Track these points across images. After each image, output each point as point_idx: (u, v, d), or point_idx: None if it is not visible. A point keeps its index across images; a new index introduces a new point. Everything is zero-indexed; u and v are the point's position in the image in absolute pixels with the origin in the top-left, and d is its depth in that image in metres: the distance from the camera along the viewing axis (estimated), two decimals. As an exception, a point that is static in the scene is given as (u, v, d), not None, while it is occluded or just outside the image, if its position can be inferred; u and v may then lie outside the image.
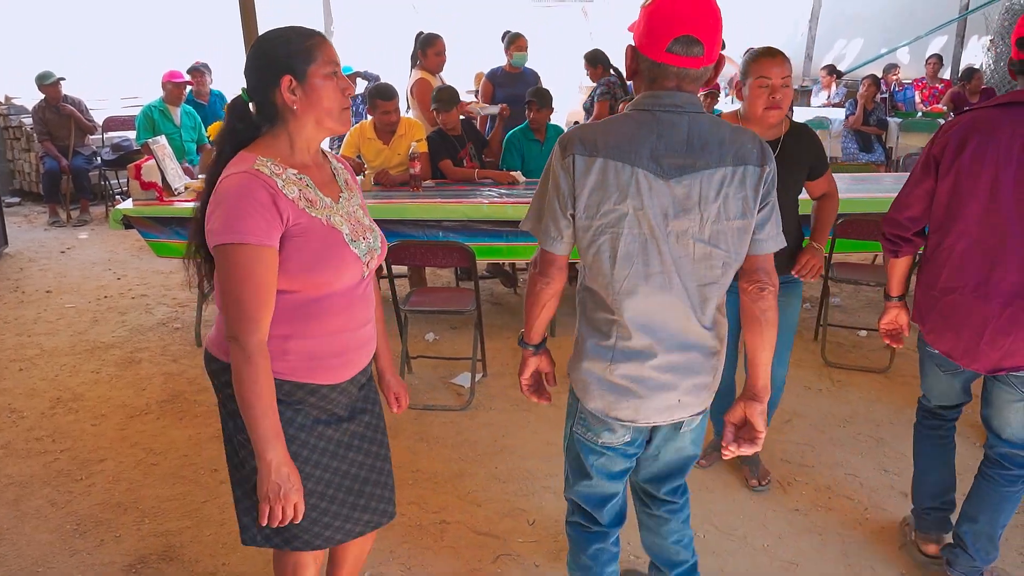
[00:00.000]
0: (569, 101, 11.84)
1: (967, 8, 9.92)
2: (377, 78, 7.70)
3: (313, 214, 1.62)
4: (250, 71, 1.62)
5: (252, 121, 1.65)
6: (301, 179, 1.63)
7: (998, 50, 10.80)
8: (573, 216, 1.67)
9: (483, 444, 3.27)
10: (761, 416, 1.79)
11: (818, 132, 9.02)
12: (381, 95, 4.63)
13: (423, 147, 4.78)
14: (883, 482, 3.09)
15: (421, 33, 5.48)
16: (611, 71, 6.57)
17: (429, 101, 5.05)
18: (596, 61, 6.72)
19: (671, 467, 1.96)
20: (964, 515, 2.40)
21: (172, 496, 2.98)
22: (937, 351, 2.31)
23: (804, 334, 4.57)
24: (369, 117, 4.80)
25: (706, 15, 1.56)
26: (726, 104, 8.63)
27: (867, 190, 4.75)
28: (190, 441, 3.37)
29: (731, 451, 1.83)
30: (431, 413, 3.61)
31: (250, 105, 1.64)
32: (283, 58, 1.58)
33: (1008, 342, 2.12)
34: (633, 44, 1.65)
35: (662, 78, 1.61)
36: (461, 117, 5.09)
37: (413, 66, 5.53)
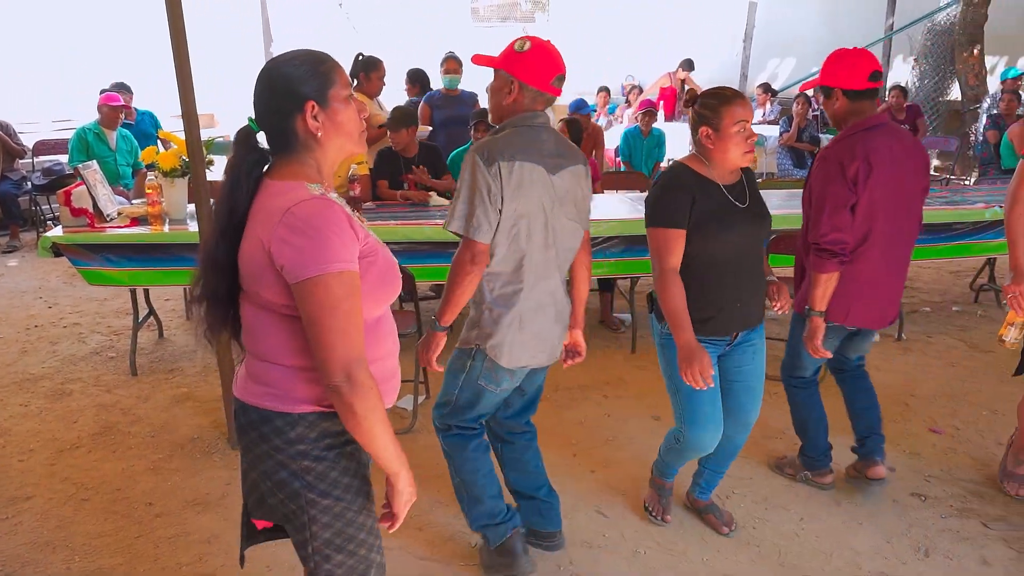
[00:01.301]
0: (512, 120, 11.96)
1: (892, 29, 10.31)
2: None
3: (372, 234, 1.60)
4: (265, 99, 1.56)
5: (262, 150, 1.58)
6: (342, 202, 1.58)
7: (922, 69, 11.25)
8: (500, 211, 2.19)
9: (426, 467, 3.25)
10: (582, 337, 2.63)
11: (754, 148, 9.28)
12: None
13: (363, 170, 4.77)
14: (819, 490, 3.15)
15: (360, 55, 5.47)
16: (429, 90, 6.34)
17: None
18: (416, 80, 6.55)
19: (532, 399, 2.64)
20: (856, 419, 3.14)
21: (104, 532, 2.89)
22: (855, 326, 2.89)
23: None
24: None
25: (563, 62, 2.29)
26: (664, 125, 8.78)
27: (800, 206, 4.87)
28: (123, 474, 3.28)
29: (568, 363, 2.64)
30: (373, 437, 3.57)
31: (258, 134, 1.59)
32: (303, 83, 1.53)
33: (900, 300, 2.95)
34: (515, 78, 2.23)
35: (540, 103, 2.27)
36: (428, 141, 5.11)
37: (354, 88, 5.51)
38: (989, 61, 10.76)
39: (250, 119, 1.58)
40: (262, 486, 1.64)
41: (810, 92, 9.38)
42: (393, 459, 1.57)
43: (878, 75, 2.69)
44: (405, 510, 1.63)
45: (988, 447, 3.48)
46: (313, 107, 1.53)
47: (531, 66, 2.23)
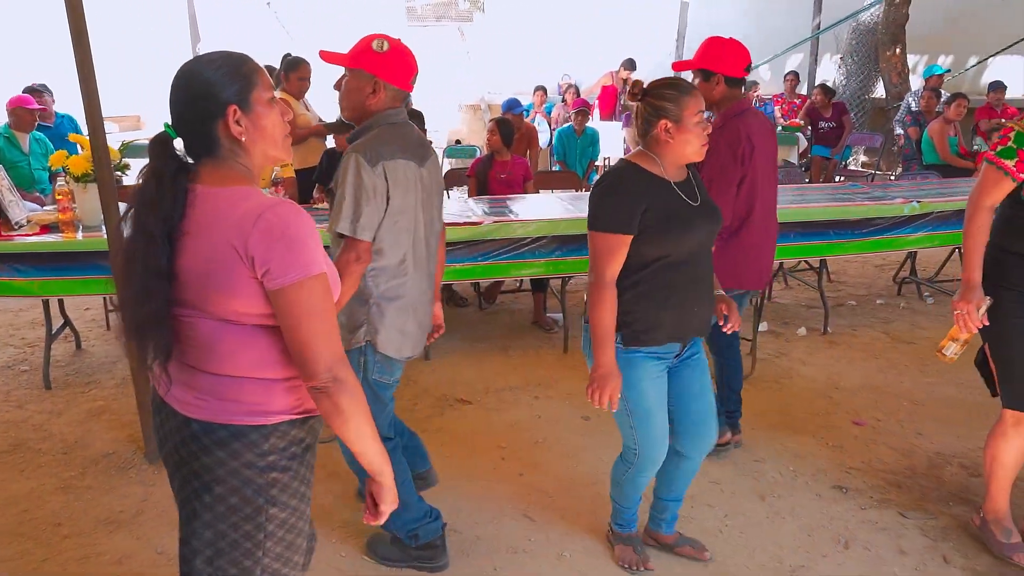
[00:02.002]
0: (449, 120, 11.88)
1: (819, 28, 10.53)
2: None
3: None
4: (182, 103, 1.49)
5: (181, 158, 1.51)
6: None
7: (848, 67, 11.54)
8: (386, 208, 2.27)
9: (353, 478, 3.19)
10: (440, 310, 2.78)
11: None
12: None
13: (288, 172, 4.67)
14: (744, 486, 3.19)
15: (288, 55, 5.36)
16: None
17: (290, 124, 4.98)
18: None
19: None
20: (729, 390, 3.39)
21: (7, 557, 2.75)
22: (743, 290, 3.19)
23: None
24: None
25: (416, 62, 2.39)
26: (600, 123, 8.82)
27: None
28: (31, 494, 3.13)
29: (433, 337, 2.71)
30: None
31: (175, 140, 1.51)
32: (224, 87, 1.47)
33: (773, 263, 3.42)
34: (378, 78, 2.29)
35: (399, 101, 2.36)
36: None
37: (275, 88, 5.39)
38: (911, 60, 11.10)
39: (166, 125, 1.51)
40: (209, 513, 1.55)
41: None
42: (378, 456, 1.56)
43: (750, 67, 3.08)
44: (391, 508, 1.63)
45: (908, 437, 3.56)
46: (235, 111, 1.48)
47: (393, 66, 2.31)
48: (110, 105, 5.39)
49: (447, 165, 7.84)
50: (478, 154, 6.83)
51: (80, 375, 4.32)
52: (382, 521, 1.64)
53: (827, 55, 11.85)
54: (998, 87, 8.73)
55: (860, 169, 9.81)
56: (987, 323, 2.53)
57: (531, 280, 5.01)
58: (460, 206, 4.78)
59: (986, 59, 11.37)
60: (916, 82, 10.47)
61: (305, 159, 5.30)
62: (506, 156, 5.29)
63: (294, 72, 5.27)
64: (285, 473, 1.55)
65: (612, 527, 2.75)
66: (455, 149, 8.50)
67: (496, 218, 4.28)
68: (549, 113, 9.88)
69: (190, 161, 1.53)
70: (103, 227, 4.12)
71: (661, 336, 2.33)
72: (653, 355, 2.35)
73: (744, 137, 2.98)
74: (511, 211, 4.54)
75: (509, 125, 5.33)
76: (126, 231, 1.50)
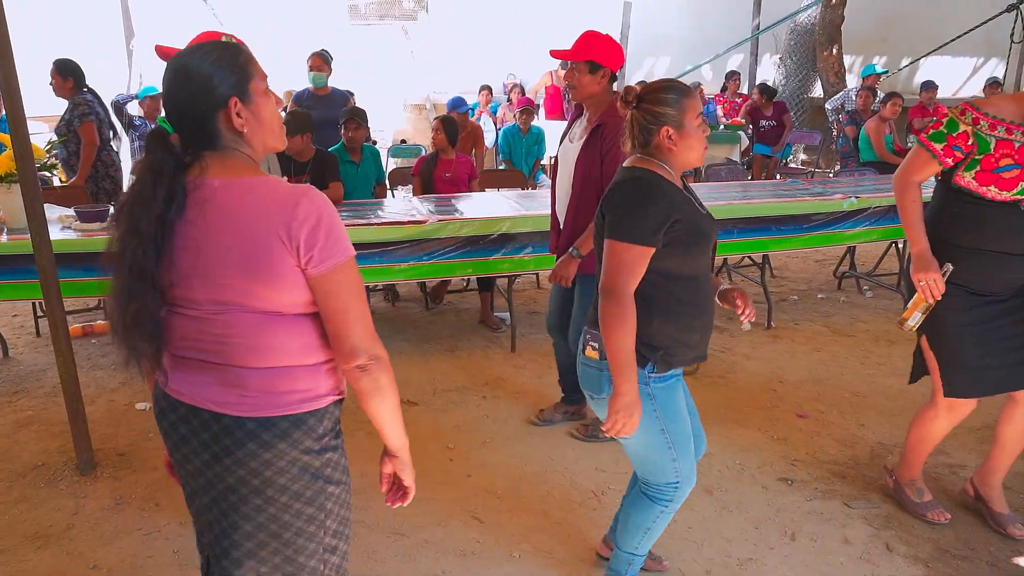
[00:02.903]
0: (394, 119, 11.76)
1: (758, 28, 10.72)
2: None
3: None
4: (181, 97, 1.46)
5: (178, 152, 1.47)
6: None
7: (787, 67, 11.76)
8: None
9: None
10: None
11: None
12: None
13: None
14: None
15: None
16: (85, 88, 5.33)
17: None
18: (67, 72, 5.25)
19: None
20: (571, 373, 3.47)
21: (-74, 577, 2.61)
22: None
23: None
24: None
25: None
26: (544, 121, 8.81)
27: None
28: (-47, 510, 2.98)
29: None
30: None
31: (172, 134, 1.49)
32: (223, 79, 1.45)
33: None
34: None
35: None
36: (328, 148, 4.92)
37: None
38: (847, 60, 11.37)
39: (161, 120, 1.44)
40: (272, 507, 1.55)
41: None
42: (403, 433, 1.62)
43: (623, 66, 3.11)
44: (413, 480, 1.70)
45: (850, 428, 3.62)
46: (236, 103, 1.46)
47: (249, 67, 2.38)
48: (38, 104, 5.19)
49: (392, 164, 7.74)
50: (423, 153, 6.76)
51: (7, 384, 4.13)
52: (410, 498, 1.70)
53: (767, 55, 12.08)
54: (930, 87, 9.00)
55: (800, 167, 10.00)
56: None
57: (478, 279, 4.97)
58: (405, 205, 4.71)
59: (918, 59, 11.72)
60: (852, 81, 10.72)
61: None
62: (451, 155, 5.24)
63: None
64: (336, 452, 1.61)
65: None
66: (400, 148, 8.42)
67: (441, 217, 4.23)
68: (495, 112, 9.85)
69: (187, 156, 1.49)
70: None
71: (690, 356, 2.16)
72: (676, 376, 2.20)
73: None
74: (457, 210, 4.49)
75: (454, 124, 5.27)
76: (118, 228, 1.47)
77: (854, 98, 8.34)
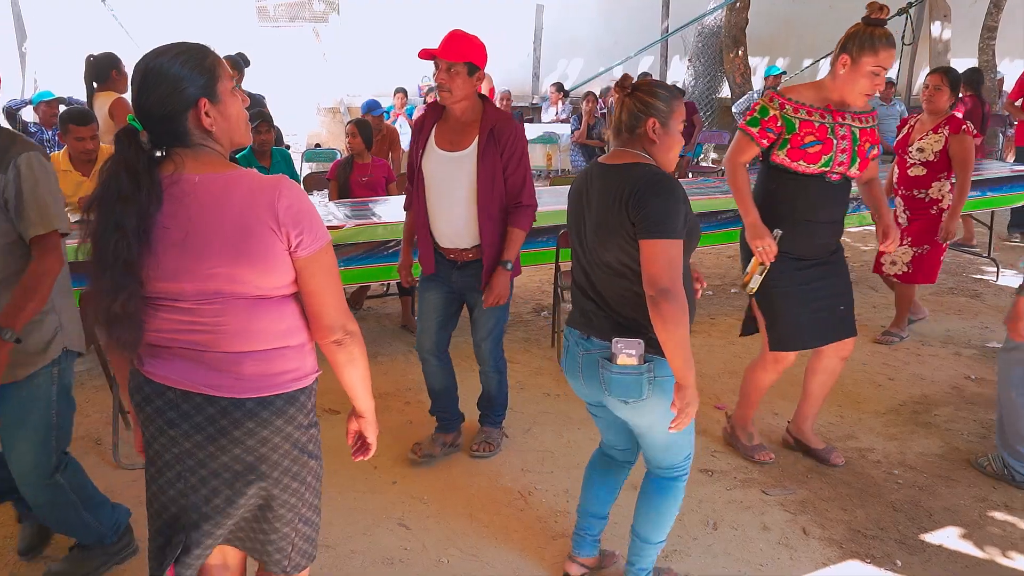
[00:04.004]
0: (307, 122, 11.55)
1: (667, 31, 10.98)
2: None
3: None
4: (150, 98, 1.52)
5: (149, 150, 1.55)
6: None
7: (696, 68, 12.07)
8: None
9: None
10: None
11: (548, 146, 9.51)
12: (75, 119, 4.15)
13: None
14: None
15: (91, 56, 5.02)
16: None
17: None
18: None
19: None
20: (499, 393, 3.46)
21: None
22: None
23: (541, 342, 4.74)
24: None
25: None
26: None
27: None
28: None
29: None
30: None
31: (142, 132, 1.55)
32: (192, 80, 1.53)
33: None
34: None
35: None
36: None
37: (98, 89, 5.02)
38: (752, 61, 11.74)
39: (131, 118, 1.54)
40: (265, 482, 1.66)
41: (598, 91, 9.78)
42: (371, 396, 1.79)
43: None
44: (376, 435, 1.86)
45: (765, 417, 3.73)
46: (205, 104, 1.54)
47: None
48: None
49: (306, 169, 7.60)
50: (338, 157, 6.66)
51: None
52: (373, 451, 1.86)
53: (676, 57, 12.38)
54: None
55: (711, 165, 10.28)
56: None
57: (398, 283, 4.92)
58: (321, 210, 4.63)
59: (818, 60, 12.20)
60: (758, 82, 11.09)
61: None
62: (367, 159, 5.18)
63: (122, 65, 4.98)
64: (317, 428, 1.74)
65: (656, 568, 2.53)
66: (314, 152, 8.28)
67: (359, 221, 4.17)
68: (411, 115, 9.78)
69: (156, 153, 1.56)
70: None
71: None
72: None
73: (521, 129, 3.08)
74: (374, 214, 4.43)
75: (368, 127, 5.22)
76: (93, 224, 1.52)
77: (757, 99, 8.63)
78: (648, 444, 2.31)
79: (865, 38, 2.83)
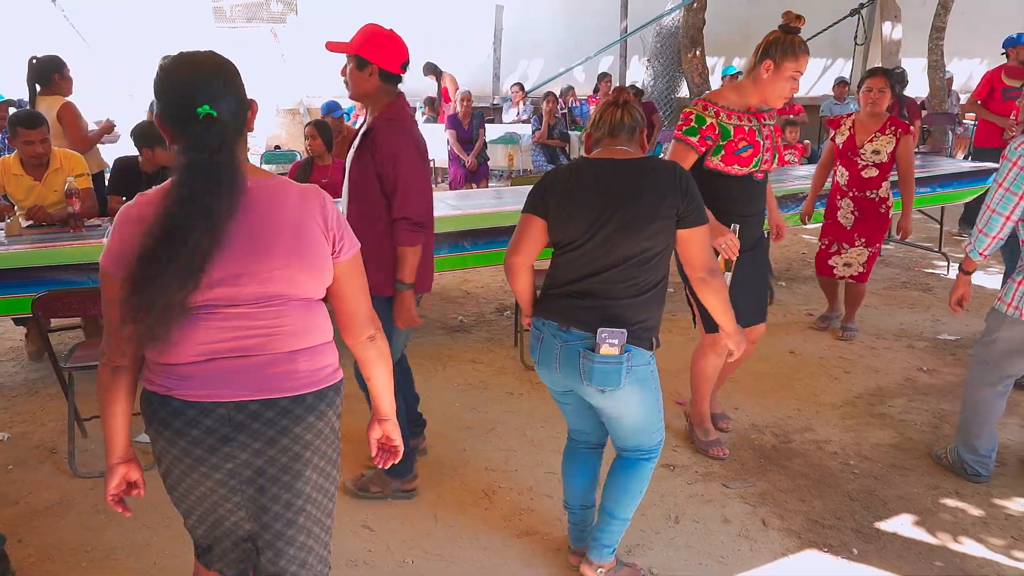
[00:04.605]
0: (267, 125, 11.42)
1: (626, 31, 11.06)
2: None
3: None
4: (232, 94, 1.56)
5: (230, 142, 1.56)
6: None
7: (655, 69, 12.18)
8: None
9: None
10: None
11: (510, 146, 9.51)
12: (23, 123, 4.08)
13: (84, 183, 4.29)
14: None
15: (34, 59, 4.93)
16: None
17: (81, 127, 4.68)
18: None
19: None
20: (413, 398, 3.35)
21: None
22: (421, 292, 3.03)
23: (504, 341, 4.76)
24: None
25: None
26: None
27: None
28: None
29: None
30: (111, 479, 3.20)
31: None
32: (243, 85, 1.60)
33: None
34: None
35: None
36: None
37: (41, 92, 4.94)
38: (710, 61, 11.88)
39: (207, 107, 1.49)
40: (312, 472, 1.71)
41: (558, 92, 9.83)
42: (394, 398, 1.86)
43: (407, 65, 2.82)
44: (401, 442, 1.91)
45: (725, 411, 3.79)
46: (255, 105, 1.65)
47: None
48: None
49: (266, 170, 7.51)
50: (298, 159, 6.60)
51: None
52: (400, 456, 1.91)
53: (635, 57, 12.47)
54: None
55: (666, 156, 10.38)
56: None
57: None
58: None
59: (774, 61, 12.36)
60: (716, 82, 11.23)
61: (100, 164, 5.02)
62: (327, 160, 5.15)
63: (66, 69, 4.92)
64: (340, 418, 1.78)
65: (618, 558, 2.57)
66: (274, 154, 8.20)
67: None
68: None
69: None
70: None
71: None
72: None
73: (419, 136, 2.81)
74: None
75: (328, 129, 5.20)
76: (170, 207, 1.47)
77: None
78: (617, 429, 2.40)
79: (786, 45, 2.95)
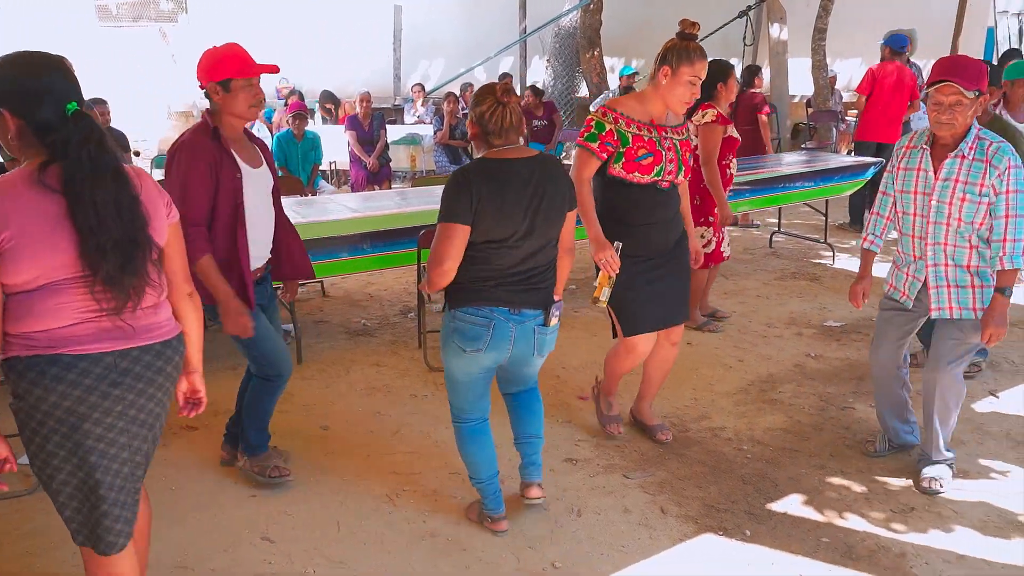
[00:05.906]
0: (157, 127, 11.00)
1: (525, 32, 11.17)
2: None
3: None
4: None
5: None
6: None
7: (555, 68, 12.34)
8: None
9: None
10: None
11: (412, 147, 9.45)
12: None
13: None
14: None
15: None
16: None
17: None
18: None
19: None
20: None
21: None
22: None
23: (408, 343, 4.73)
24: None
25: None
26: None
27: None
28: None
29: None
30: (-11, 505, 3.02)
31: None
32: None
33: None
34: None
35: None
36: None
37: None
38: (608, 61, 12.13)
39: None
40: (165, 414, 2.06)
41: (458, 92, 9.83)
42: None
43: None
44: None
45: (626, 405, 3.86)
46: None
47: None
48: None
49: (157, 175, 7.23)
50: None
51: None
52: (204, 406, 2.21)
53: (535, 57, 12.60)
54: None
55: (571, 163, 10.55)
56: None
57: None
58: (170, 219, 4.43)
59: (669, 61, 12.72)
60: (614, 81, 11.46)
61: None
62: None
63: None
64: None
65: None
66: (163, 159, 7.89)
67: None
68: (269, 119, 9.50)
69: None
70: None
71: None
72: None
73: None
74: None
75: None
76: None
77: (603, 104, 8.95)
78: (530, 376, 2.94)
79: (682, 51, 3.07)
